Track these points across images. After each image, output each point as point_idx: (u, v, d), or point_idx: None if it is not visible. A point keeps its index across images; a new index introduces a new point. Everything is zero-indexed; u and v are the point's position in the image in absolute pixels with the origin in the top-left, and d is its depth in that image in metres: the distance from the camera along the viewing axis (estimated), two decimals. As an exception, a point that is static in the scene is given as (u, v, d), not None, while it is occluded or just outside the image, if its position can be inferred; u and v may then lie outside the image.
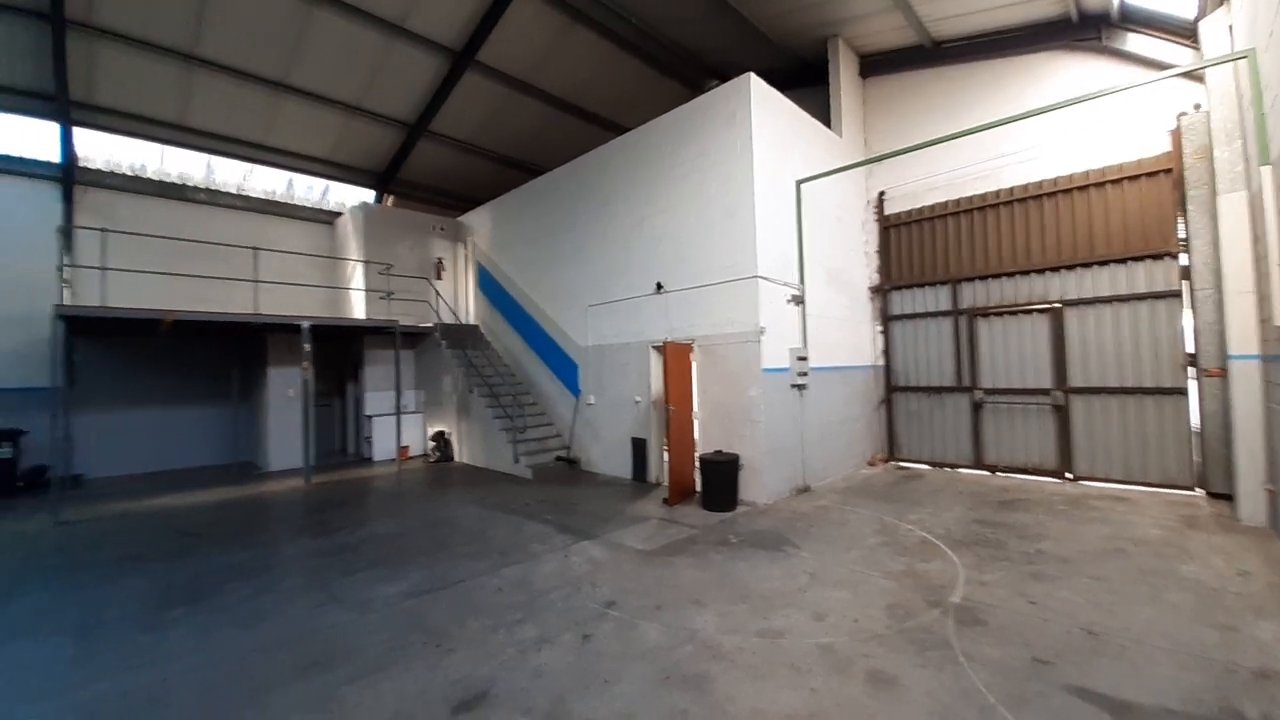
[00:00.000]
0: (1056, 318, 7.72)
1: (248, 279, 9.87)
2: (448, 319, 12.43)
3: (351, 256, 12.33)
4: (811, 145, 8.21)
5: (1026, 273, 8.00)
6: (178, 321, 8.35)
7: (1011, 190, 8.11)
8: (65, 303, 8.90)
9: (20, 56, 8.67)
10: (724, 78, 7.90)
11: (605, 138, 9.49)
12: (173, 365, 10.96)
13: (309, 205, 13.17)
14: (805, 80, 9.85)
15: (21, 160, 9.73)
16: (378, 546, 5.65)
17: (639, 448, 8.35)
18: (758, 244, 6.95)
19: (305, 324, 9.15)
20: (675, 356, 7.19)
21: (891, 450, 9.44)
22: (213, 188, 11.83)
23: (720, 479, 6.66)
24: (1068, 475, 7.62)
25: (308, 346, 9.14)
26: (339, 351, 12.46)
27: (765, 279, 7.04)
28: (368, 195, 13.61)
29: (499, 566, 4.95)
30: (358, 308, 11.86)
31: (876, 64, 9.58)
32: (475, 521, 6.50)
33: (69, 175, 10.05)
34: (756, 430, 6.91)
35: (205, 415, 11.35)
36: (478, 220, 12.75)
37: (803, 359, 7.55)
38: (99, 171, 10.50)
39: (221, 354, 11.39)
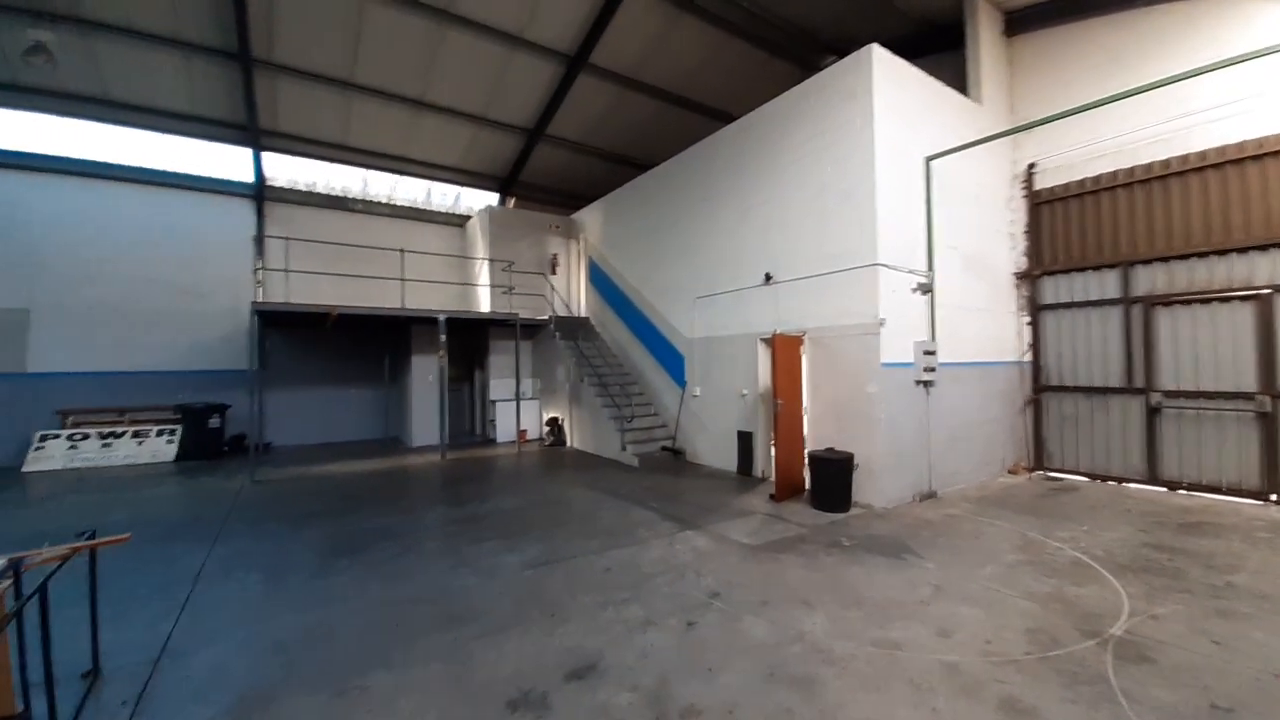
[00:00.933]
0: (1265, 306, 6.32)
1: (395, 278, 11.18)
2: (561, 312, 13.11)
3: (479, 255, 13.46)
4: (944, 116, 7.46)
5: (1223, 253, 6.63)
6: (341, 315, 9.71)
7: (1204, 154, 6.75)
8: (259, 299, 10.69)
9: (220, 94, 10.50)
10: (841, 54, 7.42)
11: (712, 128, 9.38)
12: (337, 352, 12.76)
13: (444, 210, 14.57)
14: (937, 45, 8.96)
15: (224, 182, 11.86)
16: (501, 520, 6.15)
17: (745, 441, 8.22)
18: (878, 229, 6.48)
19: (441, 317, 10.17)
20: (784, 349, 6.96)
21: (1038, 458, 8.37)
22: (368, 198, 13.54)
23: (832, 478, 6.36)
24: (1273, 497, 6.25)
25: (443, 337, 10.16)
26: (468, 342, 13.69)
27: (886, 266, 6.55)
28: (492, 198, 14.73)
29: (607, 547, 5.17)
30: (484, 302, 12.92)
31: (1024, 19, 8.43)
32: (586, 504, 6.83)
33: (260, 193, 12.06)
34: (875, 429, 6.48)
35: (362, 396, 13.11)
36: (589, 217, 13.26)
37: (930, 353, 6.94)
38: (282, 189, 12.46)
39: (375, 343, 13.06)
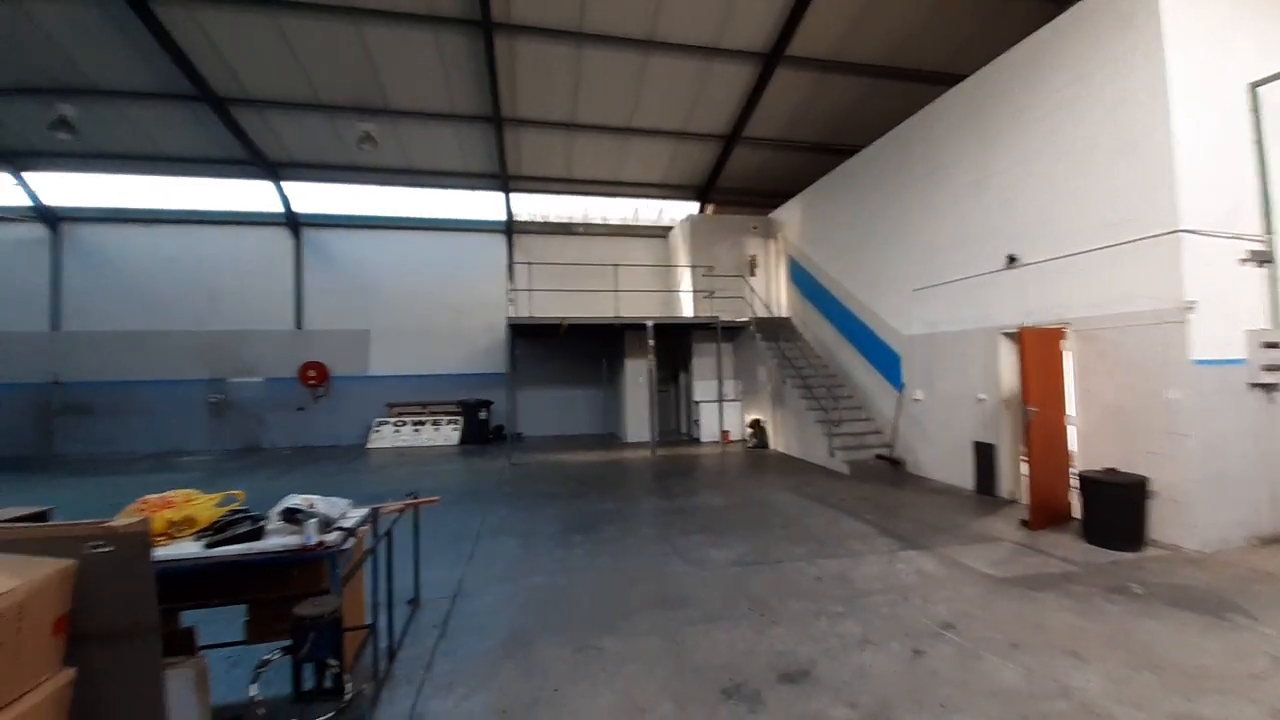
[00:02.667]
0: None
1: (610, 290, 12.47)
2: (761, 313, 13.01)
3: (680, 263, 14.17)
4: (1273, 23, 5.39)
5: None
6: (570, 325, 11.22)
7: None
8: (511, 315, 12.92)
9: (480, 152, 12.97)
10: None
11: (931, 95, 8.31)
12: (568, 357, 14.75)
13: (648, 224, 15.73)
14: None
15: (484, 221, 14.72)
16: (707, 515, 6.41)
17: (984, 454, 7.08)
18: (1177, 185, 4.99)
19: (649, 324, 11.02)
20: (1037, 345, 5.82)
21: None
22: (587, 221, 15.36)
23: (1114, 507, 5.09)
24: None
25: (651, 342, 10.99)
26: (674, 345, 14.51)
27: (1193, 233, 5.00)
28: (692, 207, 15.35)
29: (816, 555, 4.99)
30: (686, 307, 13.56)
31: None
32: (791, 508, 6.69)
33: (509, 227, 14.63)
34: (1181, 446, 5.00)
35: (585, 395, 14.95)
36: (787, 214, 12.90)
37: (1272, 345, 5.08)
38: (524, 222, 14.91)
39: (595, 348, 14.75)
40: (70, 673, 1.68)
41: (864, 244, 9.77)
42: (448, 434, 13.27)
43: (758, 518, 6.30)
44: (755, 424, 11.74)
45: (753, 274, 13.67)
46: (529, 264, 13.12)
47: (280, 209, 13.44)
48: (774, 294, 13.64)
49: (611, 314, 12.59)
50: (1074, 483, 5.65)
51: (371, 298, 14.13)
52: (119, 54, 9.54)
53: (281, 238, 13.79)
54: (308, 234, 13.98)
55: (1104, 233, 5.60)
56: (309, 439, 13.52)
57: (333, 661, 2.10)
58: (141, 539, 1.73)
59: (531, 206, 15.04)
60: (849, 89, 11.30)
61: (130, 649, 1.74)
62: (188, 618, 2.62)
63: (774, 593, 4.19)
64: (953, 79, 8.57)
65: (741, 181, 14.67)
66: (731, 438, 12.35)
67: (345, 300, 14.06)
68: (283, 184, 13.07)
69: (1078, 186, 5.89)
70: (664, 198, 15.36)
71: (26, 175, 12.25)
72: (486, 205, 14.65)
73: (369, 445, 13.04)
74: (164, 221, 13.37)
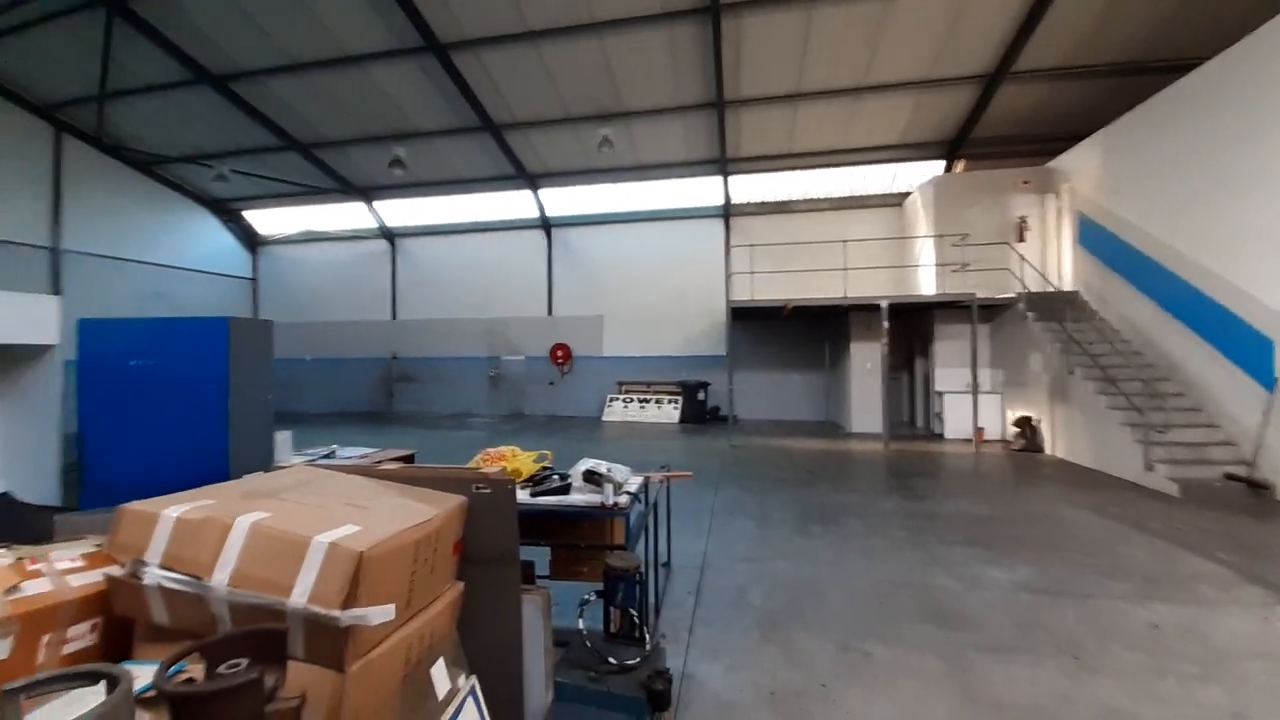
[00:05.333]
0: None
1: (836, 268, 11.62)
2: (1034, 287, 10.68)
3: (920, 233, 12.45)
4: None
5: None
6: (795, 307, 10.79)
7: None
8: (731, 299, 12.97)
9: (701, 139, 13.15)
10: None
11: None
12: (785, 340, 14.31)
13: (878, 193, 14.17)
14: None
15: (700, 208, 15.03)
16: (969, 524, 5.55)
17: None
18: None
19: (884, 303, 9.95)
20: None
21: None
22: (808, 197, 14.55)
23: None
24: None
25: (886, 324, 9.92)
26: (907, 327, 12.91)
27: None
28: (936, 167, 13.31)
29: (1146, 597, 3.90)
30: (926, 283, 11.90)
31: None
32: (1093, 530, 5.37)
33: (726, 211, 14.68)
34: None
35: (804, 380, 14.32)
36: (1076, 160, 10.25)
37: None
38: (741, 204, 14.80)
39: (816, 331, 13.99)
40: (460, 586, 2.16)
41: (1211, 193, 7.21)
42: (669, 412, 14.08)
43: (1044, 537, 5.21)
44: (1023, 422, 9.75)
45: (1021, 239, 11.29)
46: (749, 246, 12.96)
47: (536, 214, 15.72)
48: (1053, 263, 11.07)
49: (838, 294, 11.73)
50: None
51: (604, 286, 15.67)
52: (431, 100, 12.15)
53: (537, 238, 16.16)
54: (556, 233, 16.10)
55: None
56: (557, 409, 15.73)
57: (634, 611, 2.32)
58: (510, 485, 2.12)
59: (749, 188, 14.81)
60: (1187, -20, 8.40)
61: (499, 572, 2.16)
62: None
63: (1088, 633, 3.39)
64: None
65: (1005, 128, 12.17)
66: (987, 436, 10.50)
67: (584, 289, 15.86)
68: (539, 192, 15.24)
69: None
70: (899, 160, 13.61)
71: (375, 204, 16.58)
72: (704, 192, 14.90)
73: (603, 418, 14.60)
74: (458, 232, 16.81)
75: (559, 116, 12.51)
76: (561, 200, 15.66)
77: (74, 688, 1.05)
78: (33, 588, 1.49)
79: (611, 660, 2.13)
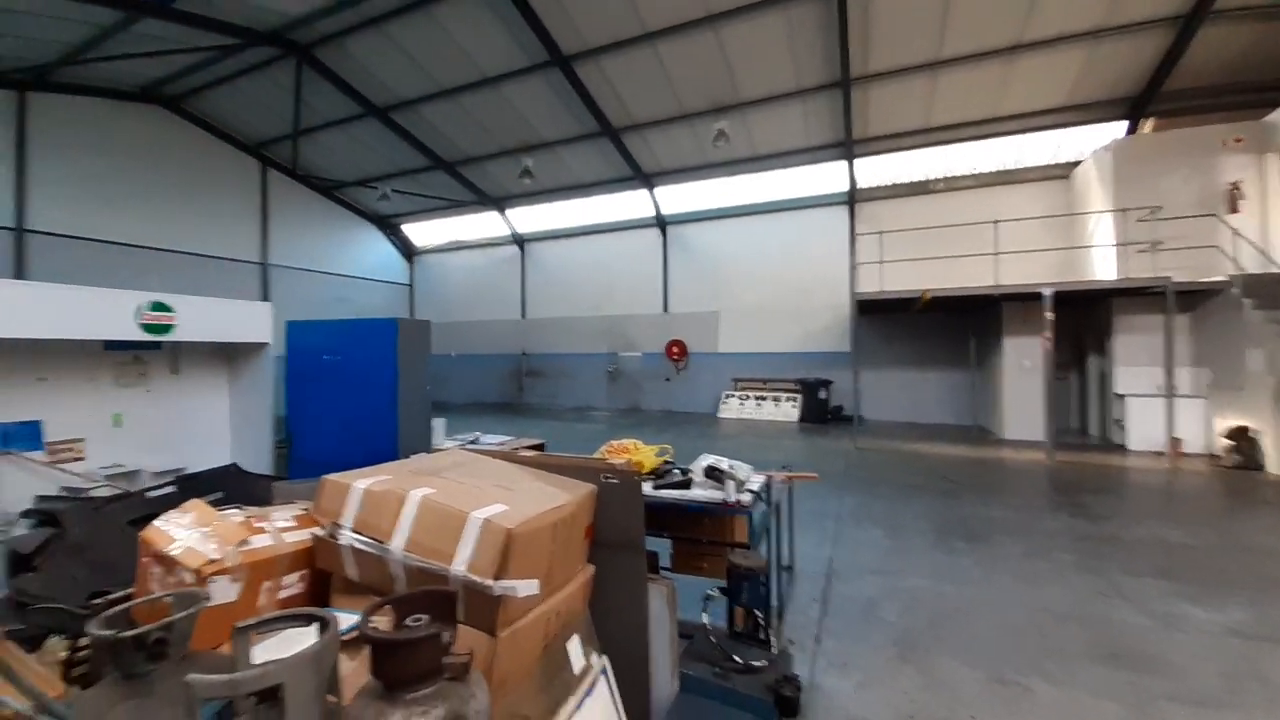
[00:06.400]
0: None
1: (984, 253, 10.35)
2: (1252, 267, 8.65)
3: (1094, 208, 10.65)
4: None
5: None
6: (933, 298, 9.81)
7: None
8: (857, 291, 12.10)
9: (824, 122, 12.40)
10: None
11: None
12: (921, 334, 13.07)
13: (1038, 165, 12.36)
14: None
15: (821, 196, 14.19)
16: (1162, 553, 4.65)
17: None
18: None
19: (1047, 291, 8.67)
20: None
21: None
22: (948, 175, 13.12)
23: None
24: None
25: (1049, 315, 8.64)
26: (1077, 319, 11.14)
27: None
28: (1116, 130, 11.28)
29: None
30: (1101, 267, 10.15)
31: None
32: (1348, 573, 4.23)
33: (852, 197, 13.73)
34: None
35: (943, 378, 12.96)
36: (1328, 104, 8.07)
37: None
38: (868, 189, 13.76)
39: (960, 324, 12.59)
40: (591, 569, 2.26)
41: None
42: (787, 410, 13.56)
43: (1264, 574, 4.21)
44: (1238, 433, 7.93)
45: (1234, 210, 9.19)
46: (878, 234, 11.97)
47: (651, 213, 15.98)
48: (1277, 238, 8.88)
49: (987, 282, 10.44)
50: None
51: (720, 281, 15.49)
52: (555, 111, 12.87)
53: (652, 237, 16.42)
54: (671, 230, 16.23)
55: None
56: (672, 405, 15.89)
57: (759, 613, 2.27)
58: (637, 477, 2.19)
59: (878, 171, 13.72)
60: None
61: (626, 559, 2.23)
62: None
63: (1343, 700, 2.68)
64: None
65: (1208, 78, 10.01)
66: (1186, 449, 8.70)
67: (699, 285, 15.81)
68: (654, 191, 15.47)
69: None
70: (1065, 125, 11.74)
71: (508, 212, 17.96)
72: (827, 178, 14.07)
73: (719, 415, 14.47)
74: (579, 234, 17.65)
75: (674, 114, 12.59)
76: (676, 197, 15.75)
77: (292, 628, 1.27)
78: (258, 542, 1.83)
79: (736, 658, 2.10)
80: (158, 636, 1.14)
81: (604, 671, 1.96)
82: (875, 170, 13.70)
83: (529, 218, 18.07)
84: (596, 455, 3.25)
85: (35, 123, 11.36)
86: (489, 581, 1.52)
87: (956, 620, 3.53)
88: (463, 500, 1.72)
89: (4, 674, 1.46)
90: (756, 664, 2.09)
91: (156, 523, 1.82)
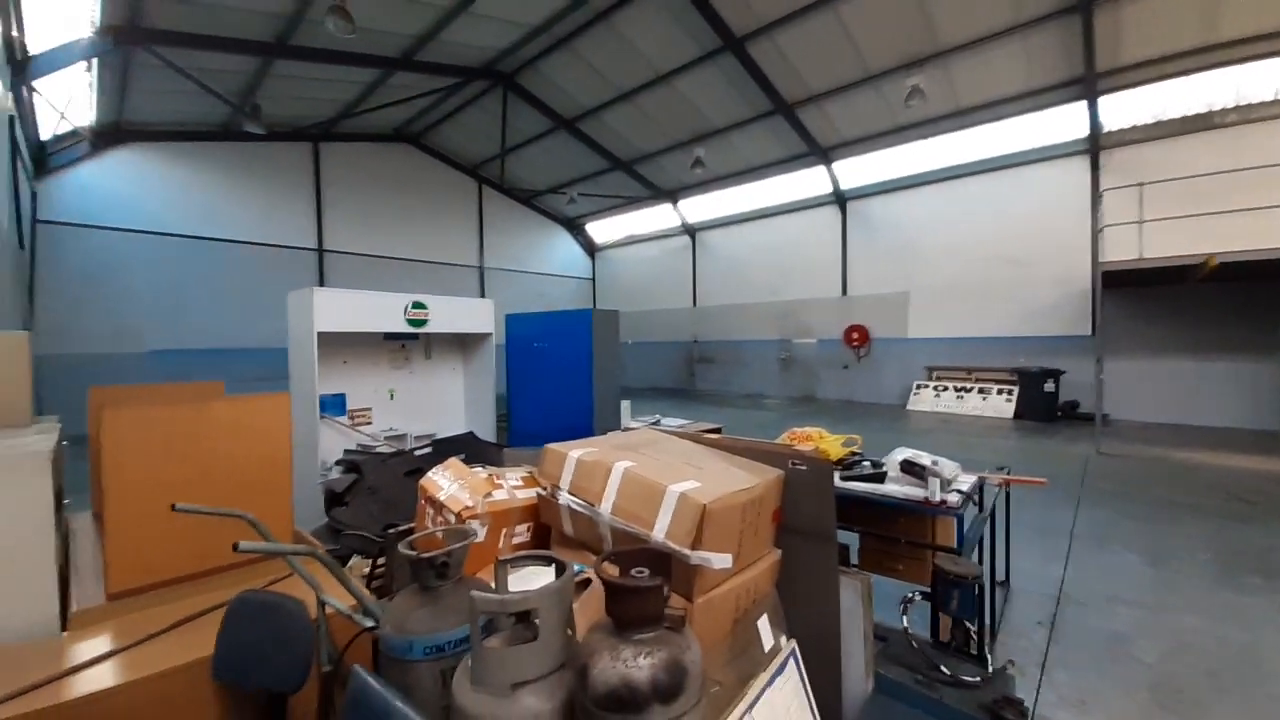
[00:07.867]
0: None
1: (1310, 199, 7.61)
2: None
3: None
4: None
5: None
6: (1220, 263, 7.55)
7: None
8: (1102, 260, 9.80)
9: (1054, 57, 10.16)
10: None
11: None
12: (1201, 313, 10.14)
13: None
14: None
15: (1049, 147, 11.74)
16: None
17: None
18: None
19: None
20: None
21: None
22: (1240, 104, 9.86)
23: None
24: None
25: None
26: None
27: None
28: None
29: None
30: None
31: None
32: None
33: (1094, 144, 11.13)
34: None
35: (1229, 369, 9.89)
36: None
37: None
38: (1118, 131, 11.00)
39: (1253, 301, 9.49)
40: (778, 553, 2.27)
41: None
42: (998, 405, 11.66)
43: None
44: None
45: None
46: (1136, 186, 9.47)
47: (829, 189, 14.94)
48: None
49: (1314, 239, 7.68)
50: None
51: (910, 258, 13.88)
52: (726, 96, 12.75)
53: (830, 215, 15.37)
54: (851, 206, 15.00)
55: None
56: (852, 394, 14.80)
57: (972, 625, 2.05)
58: (827, 464, 2.13)
59: (1133, 108, 10.88)
60: None
61: (815, 548, 2.19)
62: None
63: None
64: None
65: None
66: None
67: (884, 264, 14.38)
68: (832, 165, 14.44)
69: None
70: None
71: (680, 204, 18.39)
72: (1054, 126, 11.61)
73: (908, 407, 13.08)
74: (749, 220, 17.33)
75: (858, 78, 11.55)
76: (857, 170, 14.48)
77: (535, 565, 1.53)
78: (498, 495, 2.22)
79: (944, 669, 1.93)
80: (443, 560, 1.47)
81: (793, 654, 1.96)
82: (1129, 108, 10.91)
83: (699, 207, 18.30)
84: (779, 441, 3.21)
85: (325, 166, 14.88)
86: (685, 550, 1.64)
87: (1245, 673, 2.74)
88: (660, 474, 1.87)
89: (338, 579, 2.00)
90: (968, 679, 1.89)
91: (430, 474, 2.32)
